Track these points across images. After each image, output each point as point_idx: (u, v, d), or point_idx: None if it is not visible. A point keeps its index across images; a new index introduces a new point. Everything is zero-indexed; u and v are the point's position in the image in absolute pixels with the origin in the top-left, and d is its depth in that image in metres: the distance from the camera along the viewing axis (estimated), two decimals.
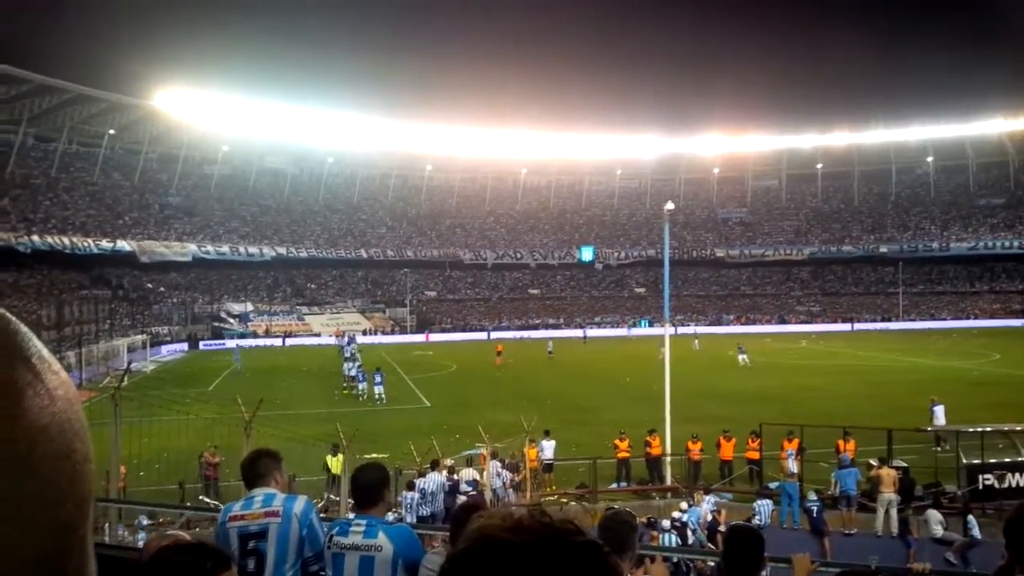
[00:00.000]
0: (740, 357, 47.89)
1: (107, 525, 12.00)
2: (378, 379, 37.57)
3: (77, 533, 0.62)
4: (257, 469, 4.42)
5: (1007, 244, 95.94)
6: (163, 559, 2.36)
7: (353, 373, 40.61)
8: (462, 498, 14.41)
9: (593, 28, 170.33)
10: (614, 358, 53.89)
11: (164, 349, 63.83)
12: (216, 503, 15.71)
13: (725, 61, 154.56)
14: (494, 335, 77.62)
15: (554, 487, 21.63)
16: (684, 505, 16.42)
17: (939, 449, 22.15)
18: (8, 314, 0.60)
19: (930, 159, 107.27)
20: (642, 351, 50.26)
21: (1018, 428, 20.64)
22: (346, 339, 60.44)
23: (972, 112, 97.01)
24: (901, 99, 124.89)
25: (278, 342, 73.34)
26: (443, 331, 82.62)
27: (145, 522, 14.09)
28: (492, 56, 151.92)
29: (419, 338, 78.83)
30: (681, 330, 73.58)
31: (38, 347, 0.61)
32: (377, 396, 36.63)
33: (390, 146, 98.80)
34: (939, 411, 24.75)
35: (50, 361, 0.62)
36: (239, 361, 49.82)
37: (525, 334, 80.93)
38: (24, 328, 0.61)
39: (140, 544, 5.08)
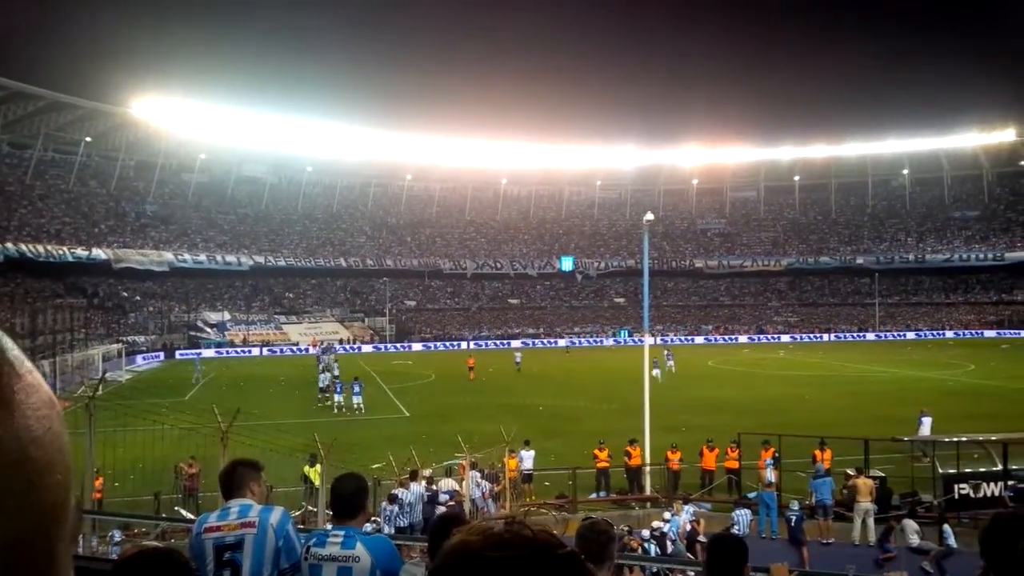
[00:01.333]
0: (655, 372, 40.38)
1: (80, 537, 11.81)
2: (356, 389, 37.18)
3: (34, 547, 0.59)
4: (235, 479, 4.36)
5: (981, 256, 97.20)
6: (125, 567, 2.33)
7: (326, 384, 40.27)
8: (441, 508, 14.33)
9: (574, 40, 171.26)
10: (594, 368, 53.95)
11: (140, 358, 63.15)
12: (191, 515, 15.53)
13: (704, 74, 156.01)
14: (467, 348, 77.55)
15: (534, 497, 21.56)
16: (667, 515, 16.42)
17: (922, 457, 22.13)
18: None
19: (906, 172, 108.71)
20: (622, 362, 50.39)
21: (993, 438, 20.84)
22: (320, 349, 60.12)
23: (947, 126, 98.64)
24: (878, 113, 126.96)
25: (256, 351, 72.82)
26: (423, 340, 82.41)
27: (118, 535, 13.89)
28: (473, 67, 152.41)
29: (399, 347, 78.63)
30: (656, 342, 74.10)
31: (9, 351, 0.58)
32: (355, 406, 36.28)
33: (370, 155, 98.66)
34: (927, 422, 24.85)
35: (20, 367, 0.59)
36: (200, 371, 49.30)
37: (501, 343, 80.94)
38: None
39: (114, 556, 5.00)
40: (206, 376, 48.20)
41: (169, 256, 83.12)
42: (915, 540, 15.78)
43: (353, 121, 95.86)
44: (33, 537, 0.58)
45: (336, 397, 37.85)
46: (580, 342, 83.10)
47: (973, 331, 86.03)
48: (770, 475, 18.60)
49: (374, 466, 20.20)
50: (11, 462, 0.56)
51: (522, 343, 78.92)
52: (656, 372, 41.68)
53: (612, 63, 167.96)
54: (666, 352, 50.44)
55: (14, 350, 0.59)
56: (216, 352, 70.11)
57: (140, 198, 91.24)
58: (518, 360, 55.38)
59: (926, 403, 29.45)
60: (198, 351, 63.43)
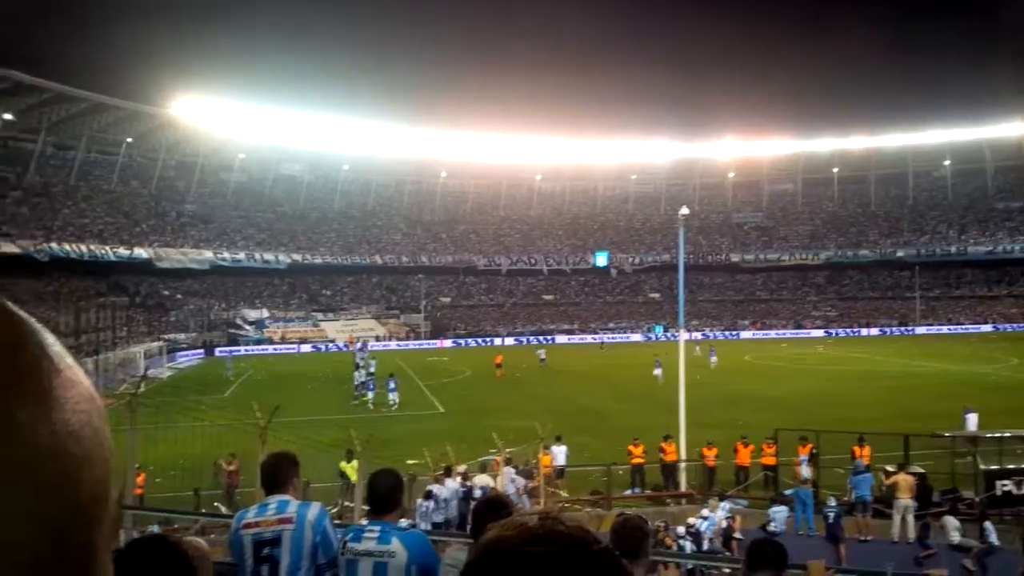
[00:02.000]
0: (657, 372, 41.79)
1: (121, 532, 12.08)
2: (392, 385, 37.50)
3: (73, 541, 0.59)
4: (278, 474, 4.45)
5: None
6: (121, 553, 2.38)
7: (362, 380, 40.49)
8: None
9: (607, 33, 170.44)
10: (630, 364, 53.70)
11: (180, 356, 64.11)
12: (229, 511, 15.79)
13: (740, 65, 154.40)
14: (502, 343, 77.58)
15: (564, 493, 21.54)
16: (705, 512, 16.34)
17: (968, 452, 21.73)
18: (28, 318, 0.59)
19: (947, 162, 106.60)
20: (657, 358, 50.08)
21: None
22: (358, 345, 60.47)
23: (989, 115, 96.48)
24: (918, 102, 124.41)
25: (293, 348, 73.57)
26: (457, 337, 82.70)
27: (158, 530, 14.18)
28: (506, 63, 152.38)
29: (435, 343, 78.97)
30: (693, 336, 73.75)
31: (50, 347, 0.59)
32: (391, 402, 36.57)
33: (405, 153, 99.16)
34: (972, 419, 24.41)
35: (60, 362, 0.60)
36: (231, 368, 49.92)
37: (535, 338, 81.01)
38: (40, 329, 0.60)
39: None
40: (236, 375, 48.73)
41: (209, 255, 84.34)
42: (956, 537, 15.55)
43: (388, 119, 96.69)
44: (71, 531, 0.59)
45: (369, 394, 38.08)
46: (613, 338, 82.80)
47: (1017, 324, 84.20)
48: (806, 471, 18.44)
49: (409, 462, 20.34)
50: (48, 456, 0.57)
51: (543, 339, 78.63)
52: (658, 372, 41.38)
53: (645, 56, 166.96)
54: (710, 348, 50.08)
55: (55, 346, 0.60)
56: (247, 350, 70.97)
57: (180, 197, 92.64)
58: (543, 357, 55.12)
59: (968, 398, 28.96)
60: (229, 350, 64.08)
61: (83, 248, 73.47)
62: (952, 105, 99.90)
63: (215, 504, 18.42)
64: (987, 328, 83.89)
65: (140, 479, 16.84)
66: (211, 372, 50.42)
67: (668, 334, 78.62)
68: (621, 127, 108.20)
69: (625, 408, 34.26)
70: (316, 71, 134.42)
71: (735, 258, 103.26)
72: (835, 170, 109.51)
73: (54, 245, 70.81)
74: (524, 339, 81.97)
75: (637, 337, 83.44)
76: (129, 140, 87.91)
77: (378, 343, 74.92)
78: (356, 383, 41.43)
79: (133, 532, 13.33)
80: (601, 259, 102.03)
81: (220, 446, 19.11)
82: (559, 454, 22.06)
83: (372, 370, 41.85)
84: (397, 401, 36.75)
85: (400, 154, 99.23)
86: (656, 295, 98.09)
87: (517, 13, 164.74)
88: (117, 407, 13.52)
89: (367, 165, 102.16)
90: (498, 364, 50.58)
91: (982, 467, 18.90)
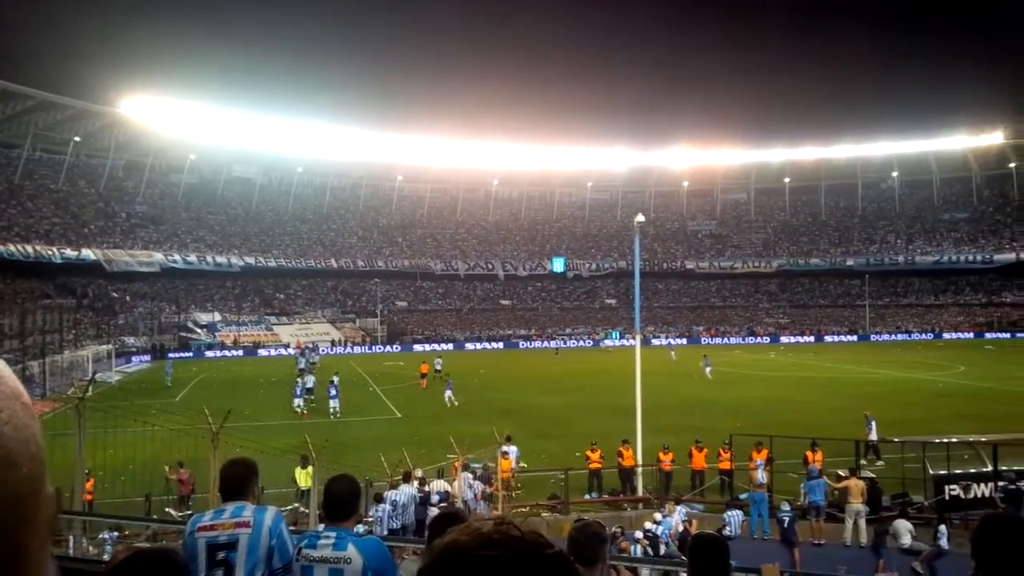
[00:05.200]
0: (706, 370, 47.52)
1: (71, 538, 11.74)
2: (332, 392, 35.25)
3: None
4: (239, 482, 4.35)
5: (971, 258, 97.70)
6: (122, 568, 2.31)
7: (311, 385, 38.59)
8: (433, 510, 14.28)
9: (565, 41, 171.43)
10: (585, 370, 53.93)
11: (132, 360, 62.81)
12: (181, 515, 15.45)
13: (696, 76, 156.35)
14: (420, 352, 77.27)
15: (516, 493, 21.42)
16: (658, 516, 16.41)
17: (869, 461, 23.20)
18: None
19: (895, 174, 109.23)
20: (613, 363, 50.39)
21: (983, 439, 20.92)
22: (303, 349, 59.97)
23: (937, 128, 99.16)
24: (868, 115, 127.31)
25: (242, 353, 72.53)
26: (414, 341, 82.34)
27: (110, 537, 13.81)
28: (464, 67, 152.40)
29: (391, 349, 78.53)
30: (656, 342, 74.38)
31: None
32: (331, 410, 34.57)
33: (360, 156, 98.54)
34: (873, 425, 25.28)
35: None
36: (169, 375, 48.93)
37: (492, 344, 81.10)
38: None
39: (106, 557, 4.96)
40: (174, 380, 47.45)
41: (159, 256, 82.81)
42: (907, 541, 15.80)
43: (344, 121, 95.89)
44: None
45: (296, 400, 36.06)
46: (575, 343, 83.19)
47: (962, 333, 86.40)
48: (761, 476, 18.63)
49: (365, 469, 20.12)
50: None
51: (438, 347, 78.58)
52: (708, 369, 44.86)
53: (604, 64, 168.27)
54: (704, 358, 50.19)
55: None
56: (170, 356, 69.78)
57: (130, 198, 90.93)
58: (438, 367, 48.11)
59: (916, 405, 29.60)
60: (169, 356, 62.62)
61: (29, 249, 71.67)
62: (900, 118, 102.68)
63: (166, 509, 18.01)
64: (934, 336, 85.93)
65: (89, 484, 16.40)
66: (161, 376, 49.48)
67: (624, 339, 79.22)
68: (578, 135, 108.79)
69: (582, 414, 34.32)
70: (270, 73, 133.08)
71: (690, 265, 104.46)
72: (786, 180, 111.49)
73: None
74: (485, 344, 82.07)
75: (588, 344, 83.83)
76: (77, 139, 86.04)
77: (332, 348, 74.30)
78: (308, 386, 38.67)
79: (83, 539, 12.98)
80: (558, 265, 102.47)
81: (171, 451, 18.72)
82: (511, 454, 21.99)
83: (310, 384, 38.94)
84: (338, 409, 34.71)
85: (356, 157, 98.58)
86: (612, 301, 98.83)
87: (475, 20, 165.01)
88: (64, 411, 13.16)
89: (322, 168, 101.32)
90: (423, 374, 46.30)
91: (931, 472, 19.26)
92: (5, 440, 0.57)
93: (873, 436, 24.74)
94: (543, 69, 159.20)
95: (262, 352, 73.13)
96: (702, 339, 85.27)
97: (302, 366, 48.34)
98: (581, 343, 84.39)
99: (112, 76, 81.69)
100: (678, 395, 39.11)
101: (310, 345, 68.30)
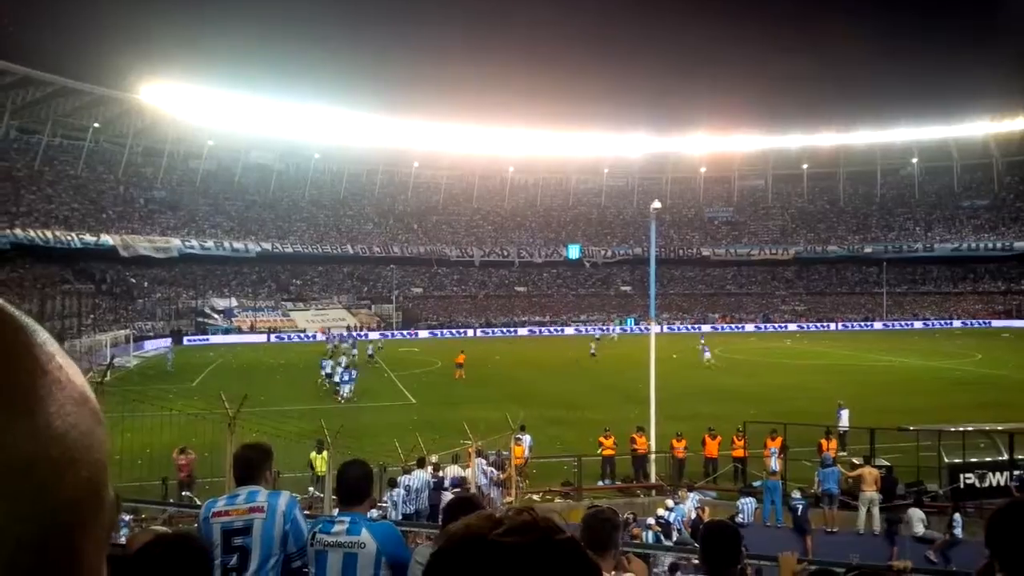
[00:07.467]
0: (706, 355, 47.99)
1: None
2: (347, 377, 36.15)
3: (52, 548, 0.57)
4: (253, 466, 4.41)
5: (990, 245, 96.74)
6: (146, 553, 2.37)
7: (329, 370, 39.39)
8: (447, 495, 14.38)
9: (582, 27, 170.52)
10: (602, 357, 53.84)
11: (149, 344, 63.23)
12: (198, 500, 15.57)
13: (713, 61, 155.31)
14: (474, 335, 77.38)
15: (528, 482, 21.52)
16: (670, 503, 16.46)
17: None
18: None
19: (915, 160, 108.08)
20: (630, 350, 50.30)
21: (999, 428, 20.80)
22: (339, 336, 60.33)
23: (957, 114, 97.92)
24: (887, 100, 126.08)
25: (263, 337, 72.93)
26: (429, 328, 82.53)
27: (126, 520, 13.99)
28: (481, 54, 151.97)
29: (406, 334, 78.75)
30: (681, 330, 74.14)
31: (37, 347, 0.57)
32: (346, 393, 35.49)
33: (377, 142, 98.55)
34: (844, 415, 25.02)
35: (46, 363, 0.58)
36: (170, 361, 49.29)
37: (507, 331, 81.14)
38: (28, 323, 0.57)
39: (123, 540, 5.04)
40: (173, 366, 48.15)
41: (177, 242, 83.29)
42: (920, 529, 15.79)
43: (360, 108, 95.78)
44: (49, 538, 0.57)
45: (345, 387, 36.37)
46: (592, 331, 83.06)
47: (981, 320, 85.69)
48: (774, 463, 18.63)
49: (380, 454, 20.25)
50: (25, 463, 0.54)
51: (407, 334, 78.76)
52: (707, 355, 46.27)
53: (620, 50, 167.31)
54: (701, 342, 50.28)
55: (45, 345, 0.58)
56: (170, 344, 70.30)
57: (148, 184, 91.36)
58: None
59: (932, 393, 29.43)
60: (168, 344, 62.82)
61: (48, 234, 72.17)
62: (920, 103, 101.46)
63: (183, 493, 18.20)
64: (952, 324, 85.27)
65: None
66: (178, 361, 49.85)
67: (640, 327, 78.98)
68: (595, 121, 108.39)
69: (597, 400, 34.36)
70: (287, 59, 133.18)
71: (706, 252, 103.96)
72: (805, 166, 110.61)
73: (18, 231, 69.49)
74: (501, 331, 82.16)
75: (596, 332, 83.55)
76: (96, 125, 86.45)
77: (348, 333, 74.62)
78: (325, 372, 40.01)
79: None
80: (573, 251, 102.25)
81: (188, 436, 18.88)
82: (523, 441, 22.10)
83: (345, 363, 39.62)
84: (347, 395, 35.48)
85: (372, 143, 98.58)
86: (627, 288, 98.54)
87: (492, 5, 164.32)
88: None
89: (339, 154, 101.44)
90: (459, 364, 44.84)
91: (946, 460, 19.20)
92: (70, 443, 0.58)
93: (844, 424, 24.51)
94: (559, 55, 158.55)
95: (275, 338, 73.41)
96: (700, 326, 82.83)
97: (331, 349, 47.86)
98: (591, 331, 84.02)
99: (131, 62, 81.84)
100: (692, 382, 39.05)
101: (343, 333, 68.67)
